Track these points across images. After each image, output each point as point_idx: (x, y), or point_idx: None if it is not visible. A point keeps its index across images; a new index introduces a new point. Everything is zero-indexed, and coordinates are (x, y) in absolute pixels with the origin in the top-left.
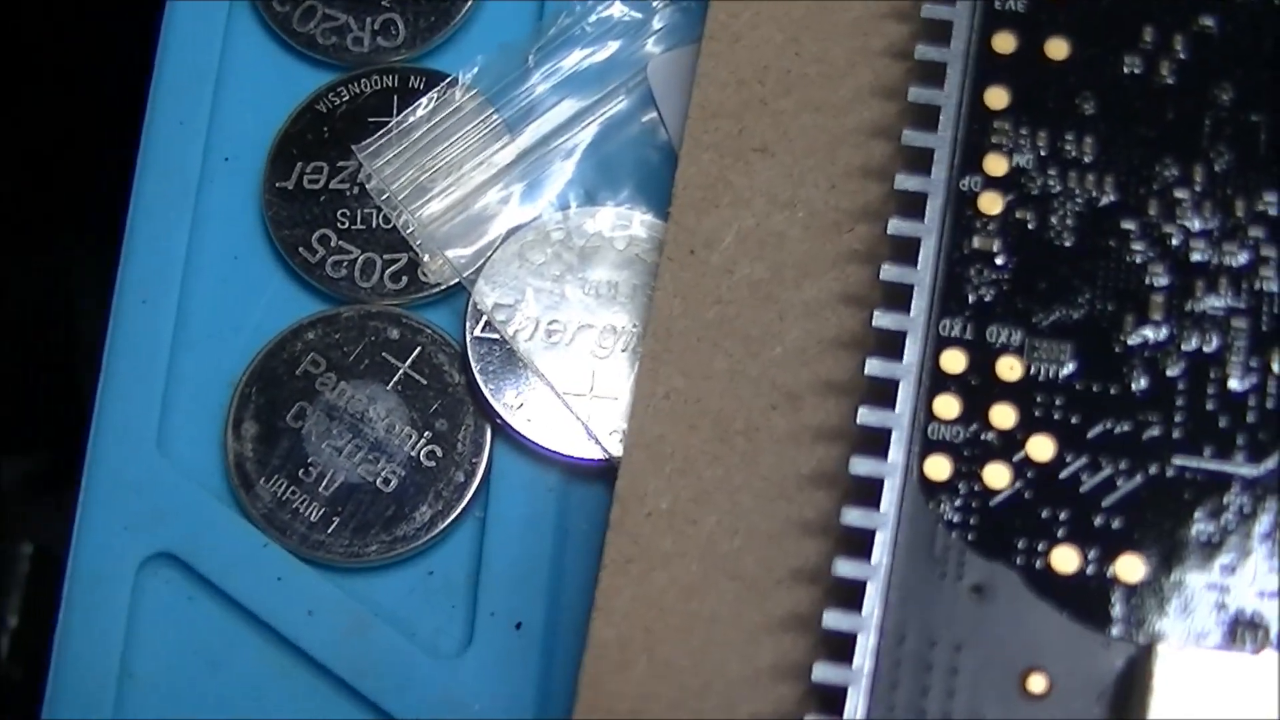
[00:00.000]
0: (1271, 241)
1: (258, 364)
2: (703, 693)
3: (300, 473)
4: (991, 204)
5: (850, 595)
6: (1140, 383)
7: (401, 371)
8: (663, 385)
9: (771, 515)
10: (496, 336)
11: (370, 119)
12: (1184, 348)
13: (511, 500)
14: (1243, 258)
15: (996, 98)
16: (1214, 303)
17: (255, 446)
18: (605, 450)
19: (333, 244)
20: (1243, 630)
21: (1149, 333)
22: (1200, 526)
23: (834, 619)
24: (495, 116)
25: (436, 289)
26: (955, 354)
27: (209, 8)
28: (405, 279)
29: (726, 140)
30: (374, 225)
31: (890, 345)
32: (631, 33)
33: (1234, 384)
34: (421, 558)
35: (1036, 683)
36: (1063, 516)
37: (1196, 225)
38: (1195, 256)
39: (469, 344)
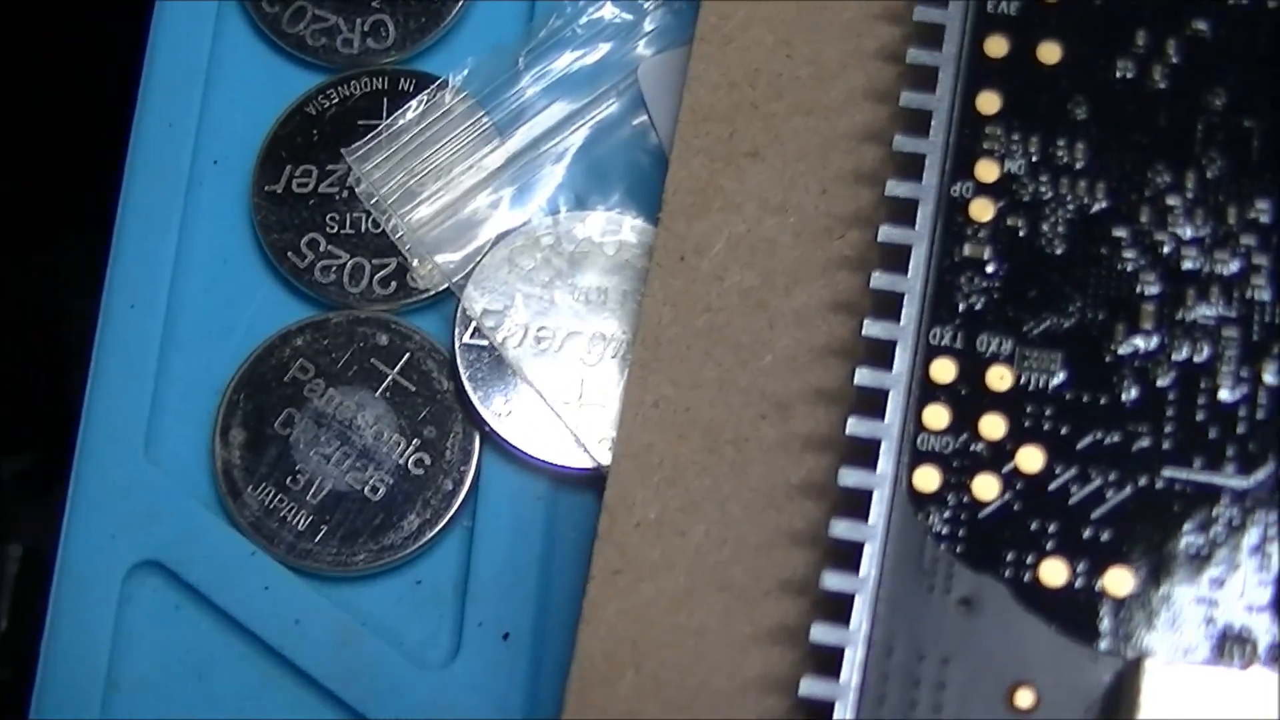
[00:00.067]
0: (1263, 249)
1: (246, 370)
2: (690, 705)
3: (288, 480)
4: (983, 210)
5: (838, 607)
6: (1130, 393)
7: (390, 378)
8: (651, 394)
9: (761, 525)
10: (485, 343)
11: (360, 121)
12: (1174, 357)
13: (500, 509)
14: (1234, 266)
15: (988, 102)
16: (1205, 312)
17: (243, 453)
18: (594, 458)
19: (322, 248)
20: (1231, 645)
21: (1140, 342)
22: (1189, 539)
23: (821, 632)
24: (485, 119)
25: (426, 294)
26: (945, 363)
27: (198, 9)
28: (394, 284)
29: (717, 144)
30: (363, 229)
31: (880, 354)
32: (622, 35)
33: (1224, 394)
34: (409, 567)
35: (1024, 697)
36: (1051, 529)
37: (1188, 233)
38: (1186, 264)
39: (458, 350)
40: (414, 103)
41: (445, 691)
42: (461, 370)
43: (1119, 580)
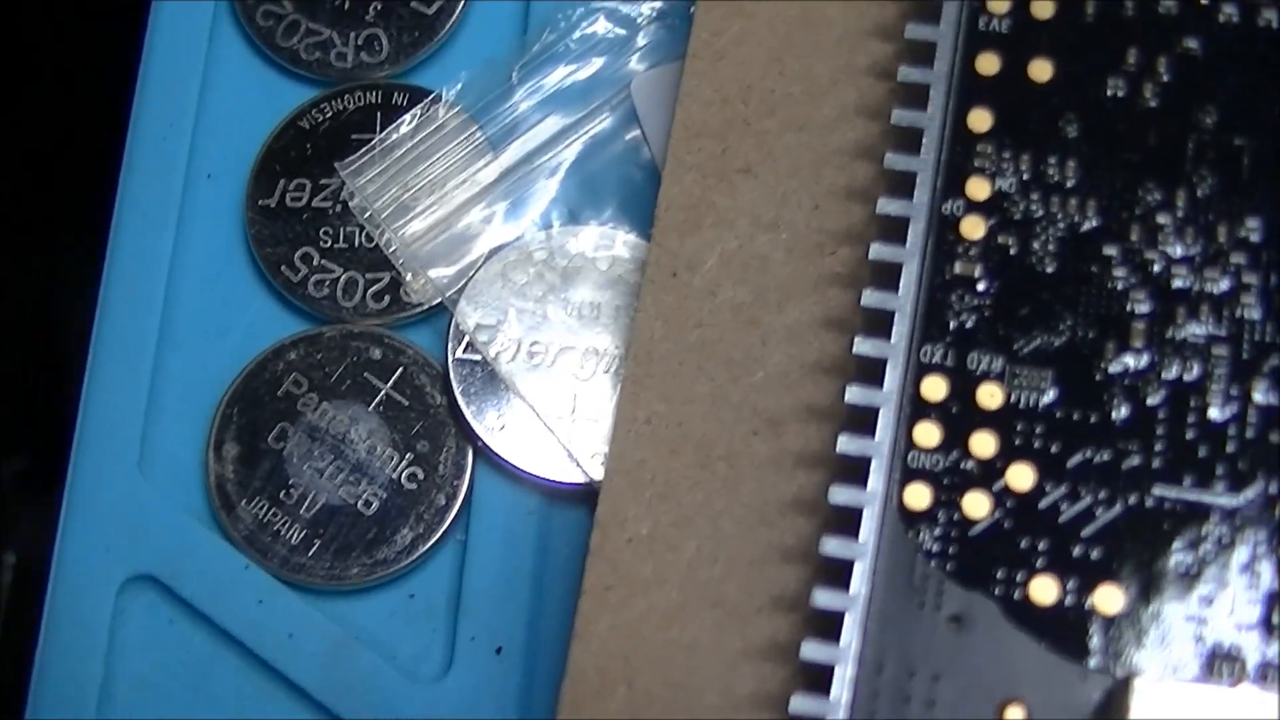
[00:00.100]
0: (1253, 268)
1: (239, 384)
2: None
3: (281, 494)
4: (974, 228)
5: (829, 624)
6: (1120, 411)
7: (383, 392)
8: (644, 410)
9: (752, 542)
10: (478, 358)
11: (353, 136)
12: (1165, 376)
13: (493, 523)
14: (1224, 284)
15: (980, 120)
16: (1195, 330)
17: (237, 467)
18: (587, 473)
19: (315, 263)
20: (1220, 663)
21: (1130, 360)
22: (1179, 557)
23: (812, 650)
24: (479, 134)
25: (419, 309)
26: (936, 381)
27: (192, 22)
28: (388, 298)
29: (710, 160)
30: (356, 244)
31: (871, 372)
32: (616, 50)
33: (1214, 413)
34: (402, 581)
35: (1014, 714)
36: (1042, 546)
37: (1178, 251)
38: (1177, 283)
39: (451, 365)
40: (407, 117)
41: (438, 705)
42: (455, 385)
43: (1109, 598)
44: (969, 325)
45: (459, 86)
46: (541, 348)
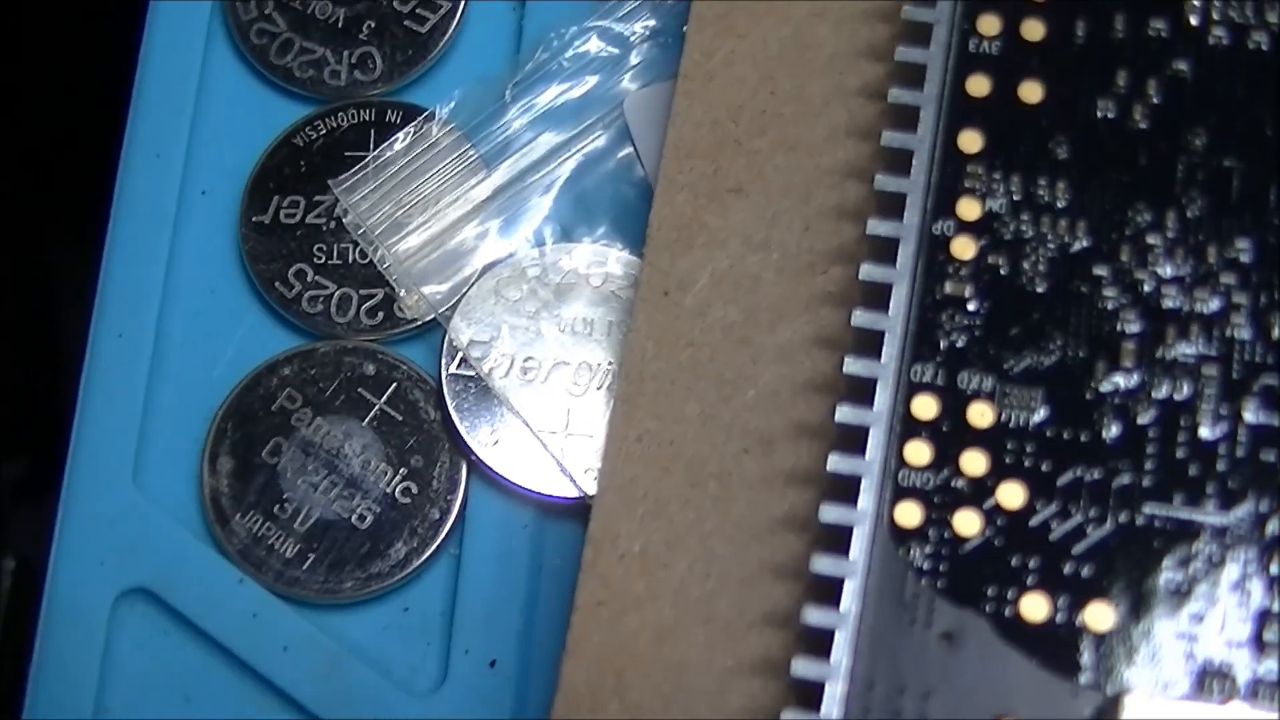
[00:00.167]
0: (1243, 288)
1: (233, 399)
2: None
3: (276, 508)
4: (964, 249)
5: (820, 642)
6: (1111, 430)
7: (377, 408)
8: (635, 428)
9: (744, 559)
10: (472, 373)
11: (347, 153)
12: (1155, 395)
13: (486, 537)
14: (1214, 304)
15: (970, 141)
16: (1185, 350)
17: (231, 482)
18: (580, 488)
19: (309, 279)
20: (1211, 680)
21: (1120, 380)
22: (1169, 575)
23: (803, 667)
24: (472, 151)
25: (413, 325)
26: (927, 400)
27: (187, 40)
28: (381, 314)
29: (701, 180)
30: (350, 260)
31: (861, 391)
32: (609, 68)
33: (1204, 432)
34: (396, 595)
35: None
36: (1032, 564)
37: (1168, 271)
38: (1167, 303)
39: (444, 380)
40: (401, 134)
41: (432, 719)
42: (448, 400)
43: (1100, 615)
44: (959, 345)
45: (452, 104)
46: (535, 363)
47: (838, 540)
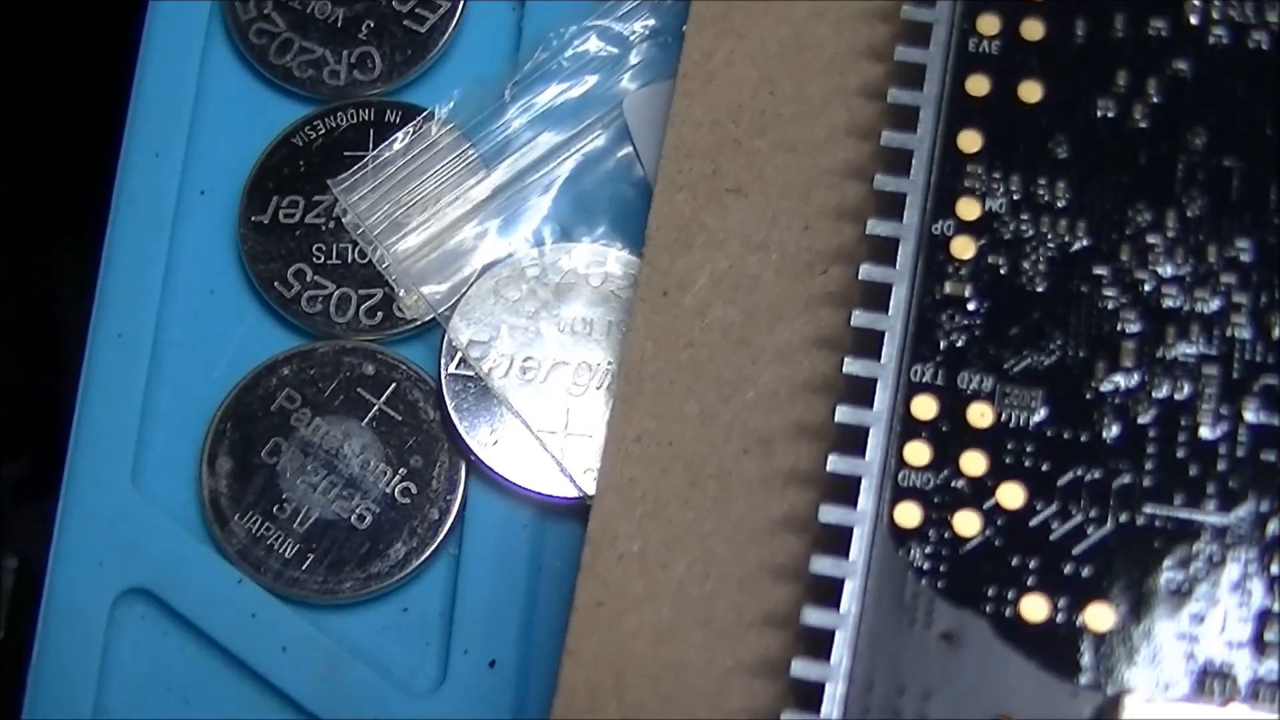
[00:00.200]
0: (1243, 288)
1: (233, 399)
2: None
3: (275, 509)
4: (964, 248)
5: (819, 642)
6: (1111, 430)
7: (377, 408)
8: (634, 428)
9: (743, 560)
10: (471, 373)
11: (346, 153)
12: (1155, 395)
13: (486, 537)
14: (1215, 304)
15: (970, 141)
16: (1186, 350)
17: (230, 482)
18: (579, 488)
19: (308, 279)
20: (1211, 680)
21: (1120, 379)
22: (1170, 575)
23: (802, 668)
24: (471, 151)
25: (412, 325)
26: (926, 400)
27: (186, 39)
28: (381, 314)
29: (700, 181)
30: (350, 260)
31: (861, 391)
32: (608, 68)
33: (1205, 432)
34: (396, 595)
35: None
36: (1032, 564)
37: (1169, 271)
38: (1167, 303)
39: (444, 380)
40: (400, 134)
41: (431, 719)
42: (448, 400)
43: (1100, 616)
44: (959, 345)
45: (452, 104)
46: (534, 363)
47: (837, 541)
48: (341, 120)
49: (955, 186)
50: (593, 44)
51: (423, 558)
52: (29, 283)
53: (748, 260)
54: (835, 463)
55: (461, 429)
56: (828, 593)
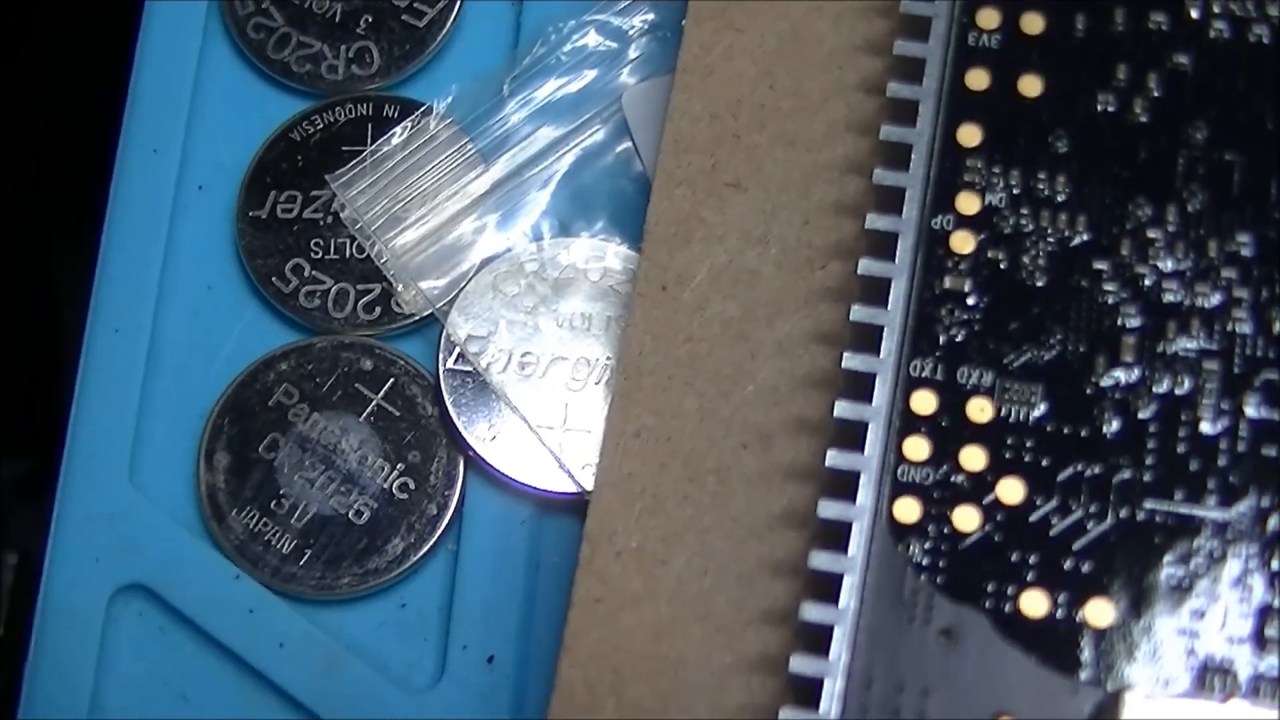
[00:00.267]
0: (1244, 283)
1: (230, 394)
2: None
3: (272, 504)
4: (963, 243)
5: (818, 639)
6: (1111, 425)
7: (374, 403)
8: (633, 423)
9: (742, 556)
10: (470, 368)
11: (344, 148)
12: (1156, 390)
13: (484, 533)
14: (1215, 299)
15: (969, 135)
16: (1186, 344)
17: (227, 478)
18: (578, 483)
19: (306, 274)
20: (1212, 676)
21: (1120, 374)
22: (1170, 571)
23: (801, 664)
24: (470, 146)
25: (410, 320)
26: (926, 395)
27: (183, 34)
28: (379, 310)
29: (699, 175)
30: (348, 255)
31: (860, 386)
32: (607, 62)
33: (1205, 427)
34: (393, 590)
35: None
36: (1032, 560)
37: (1169, 266)
38: (1168, 297)
39: (442, 376)
40: (398, 129)
41: (430, 715)
42: (446, 395)
43: (1100, 612)
44: (959, 339)
45: (450, 99)
46: (533, 358)
47: (836, 536)
48: (339, 115)
49: (955, 181)
50: (591, 38)
51: (421, 553)
52: (27, 278)
53: (747, 255)
54: (834, 458)
55: (460, 424)
56: (826, 588)
